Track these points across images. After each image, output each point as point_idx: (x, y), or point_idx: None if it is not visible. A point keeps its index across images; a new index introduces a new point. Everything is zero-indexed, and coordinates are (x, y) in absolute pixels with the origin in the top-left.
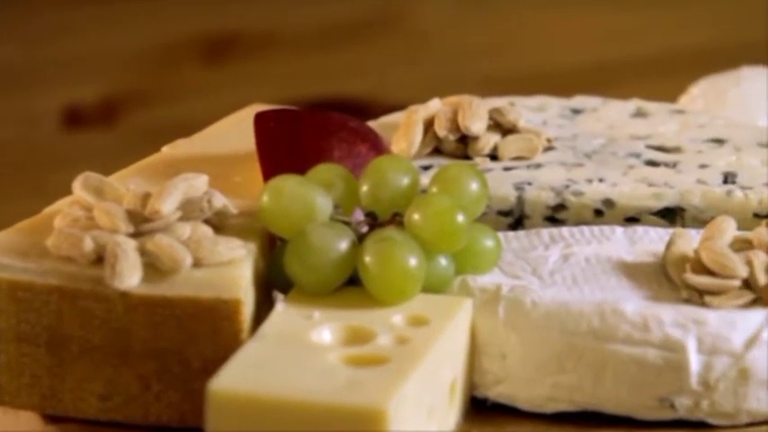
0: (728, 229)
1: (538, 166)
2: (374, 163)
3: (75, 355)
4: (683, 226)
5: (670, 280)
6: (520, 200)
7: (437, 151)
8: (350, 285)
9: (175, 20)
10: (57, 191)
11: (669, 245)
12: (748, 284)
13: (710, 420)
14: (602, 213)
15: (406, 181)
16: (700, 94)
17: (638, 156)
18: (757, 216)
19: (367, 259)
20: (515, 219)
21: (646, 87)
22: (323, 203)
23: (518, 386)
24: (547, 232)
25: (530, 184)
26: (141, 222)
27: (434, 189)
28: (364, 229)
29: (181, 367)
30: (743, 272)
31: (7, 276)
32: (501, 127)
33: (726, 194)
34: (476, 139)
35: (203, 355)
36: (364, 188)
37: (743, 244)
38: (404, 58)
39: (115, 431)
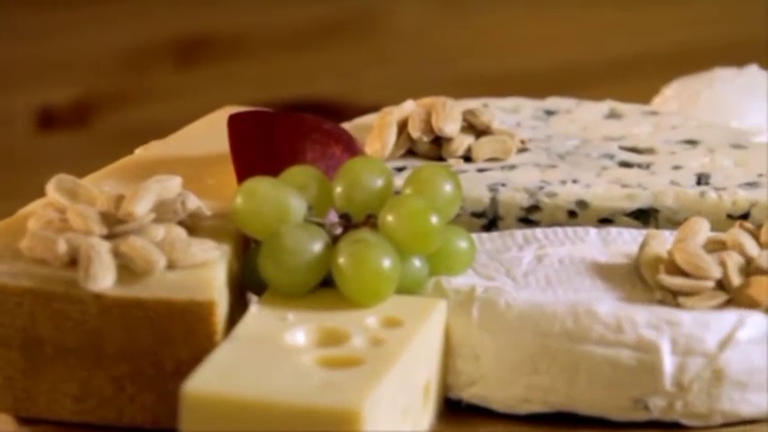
0: (702, 231)
1: (512, 167)
2: (348, 164)
3: (49, 358)
4: (657, 227)
5: (644, 281)
6: (494, 201)
7: (411, 153)
8: (324, 287)
9: (148, 22)
10: (30, 193)
11: (643, 246)
12: (722, 285)
13: (684, 421)
14: (575, 215)
15: (379, 182)
16: (673, 95)
17: (611, 157)
18: (731, 217)
19: (341, 261)
20: (489, 220)
21: (619, 89)
22: (296, 205)
23: (492, 387)
24: (521, 234)
25: (503, 185)
26: (115, 224)
27: (408, 190)
28: (338, 230)
29: (155, 369)
30: (716, 273)
31: None
32: (475, 128)
33: (699, 196)
34: (449, 140)
35: (177, 356)
36: (338, 190)
37: (716, 245)
38: (377, 59)
39: None
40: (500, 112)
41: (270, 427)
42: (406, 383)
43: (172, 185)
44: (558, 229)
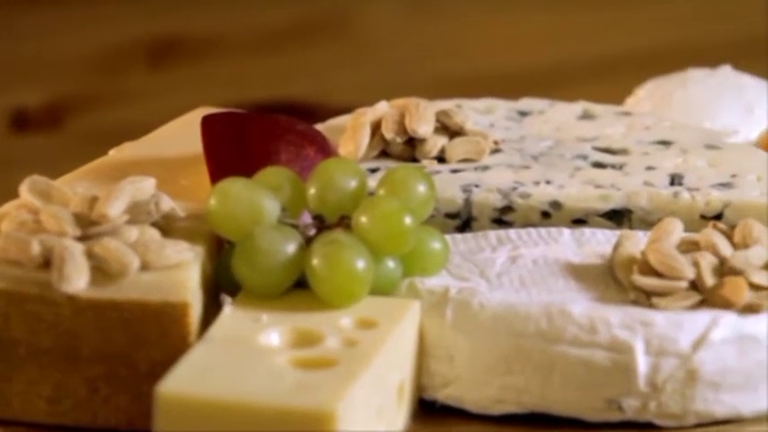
0: (675, 231)
1: (485, 168)
2: (321, 166)
3: (22, 359)
4: (630, 228)
5: (617, 282)
6: (467, 202)
7: (384, 154)
8: (298, 288)
9: (121, 23)
10: (3, 194)
11: (616, 246)
12: (695, 286)
13: (658, 422)
14: (549, 215)
15: (353, 184)
16: (646, 96)
17: (584, 158)
18: (704, 218)
19: (315, 262)
20: (463, 221)
21: (592, 89)
22: (270, 206)
23: (466, 388)
24: (494, 234)
25: (477, 186)
26: (88, 226)
27: (382, 192)
28: (312, 231)
29: (129, 371)
30: (690, 273)
31: None
32: (448, 129)
33: (672, 196)
34: (423, 141)
35: (151, 358)
36: (312, 191)
37: (690, 245)
38: (351, 60)
39: None
40: (473, 113)
41: (244, 427)
42: (380, 384)
43: (145, 187)
44: (532, 230)
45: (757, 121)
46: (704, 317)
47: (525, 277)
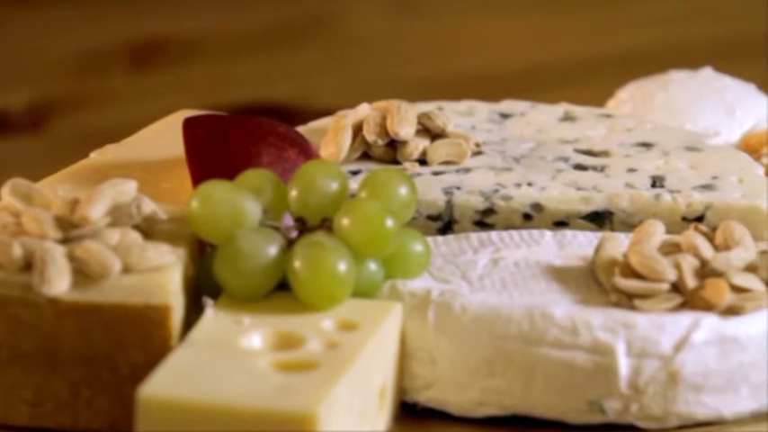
0: (657, 233)
1: (467, 170)
2: (303, 168)
3: (4, 362)
4: (612, 230)
5: (599, 284)
6: (449, 204)
7: (366, 156)
8: (280, 290)
9: (103, 26)
10: None
11: (598, 249)
12: (677, 288)
13: (640, 424)
14: (530, 218)
15: (334, 186)
16: (627, 98)
17: (566, 160)
18: (685, 219)
19: (296, 264)
20: (444, 223)
21: (574, 91)
22: (252, 209)
23: (448, 390)
24: (476, 237)
25: (459, 188)
26: (70, 228)
27: (363, 194)
28: (293, 234)
29: (110, 373)
30: (671, 275)
31: None
32: (430, 131)
33: (654, 198)
34: (404, 143)
35: (133, 361)
36: (293, 193)
37: (671, 247)
38: (332, 62)
39: None
40: (455, 115)
41: (225, 430)
42: (361, 387)
43: (127, 189)
44: (514, 232)
45: (738, 122)
46: (686, 319)
47: (507, 279)
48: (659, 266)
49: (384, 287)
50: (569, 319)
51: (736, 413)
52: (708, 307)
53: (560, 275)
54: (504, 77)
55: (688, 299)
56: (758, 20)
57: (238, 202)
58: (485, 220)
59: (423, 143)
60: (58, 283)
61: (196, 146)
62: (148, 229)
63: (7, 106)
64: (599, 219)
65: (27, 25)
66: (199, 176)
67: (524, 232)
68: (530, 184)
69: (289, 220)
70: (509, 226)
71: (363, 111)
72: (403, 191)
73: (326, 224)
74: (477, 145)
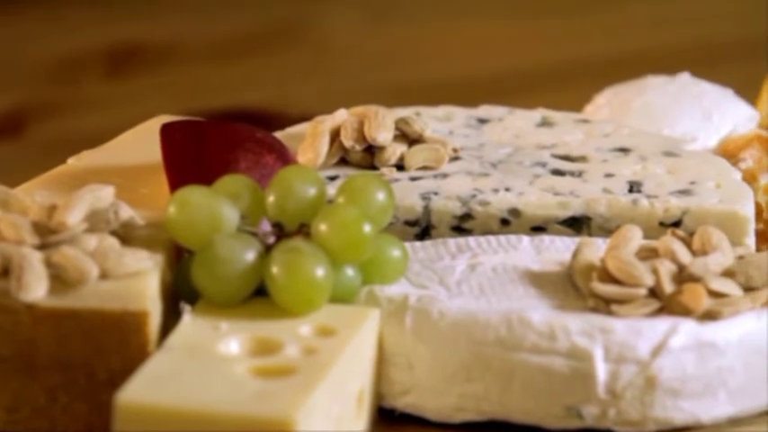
0: (634, 238)
1: (444, 175)
2: (281, 174)
3: None
4: (590, 235)
5: (577, 289)
6: (426, 210)
7: (343, 161)
8: (257, 296)
9: (79, 32)
10: None
11: (575, 254)
12: (654, 293)
13: (617, 429)
14: (508, 223)
15: (312, 191)
16: (605, 103)
17: (543, 165)
18: (663, 225)
19: (274, 270)
20: (422, 229)
21: (551, 97)
22: (229, 214)
23: (425, 396)
24: (454, 242)
25: (436, 193)
26: (47, 234)
27: (341, 199)
28: (271, 239)
29: (88, 379)
30: (649, 280)
31: None
32: (407, 137)
33: (631, 203)
34: (382, 149)
35: (110, 366)
36: (271, 199)
37: (649, 253)
38: (310, 68)
39: None
40: (432, 120)
41: None
42: (339, 392)
43: (104, 195)
44: (491, 238)
45: (716, 128)
46: (663, 324)
47: (484, 285)
48: (637, 271)
49: (361, 293)
50: (547, 325)
51: (714, 418)
52: (685, 312)
53: (538, 281)
54: (481, 83)
55: (665, 304)
56: (735, 25)
57: (216, 208)
58: (462, 225)
59: (400, 148)
60: (36, 288)
61: (173, 151)
62: (126, 235)
63: None
64: (576, 224)
65: (3, 32)
66: (176, 182)
67: (502, 237)
68: (507, 190)
69: (266, 226)
70: (486, 231)
71: (341, 116)
72: (380, 196)
73: (304, 230)
74: (455, 150)
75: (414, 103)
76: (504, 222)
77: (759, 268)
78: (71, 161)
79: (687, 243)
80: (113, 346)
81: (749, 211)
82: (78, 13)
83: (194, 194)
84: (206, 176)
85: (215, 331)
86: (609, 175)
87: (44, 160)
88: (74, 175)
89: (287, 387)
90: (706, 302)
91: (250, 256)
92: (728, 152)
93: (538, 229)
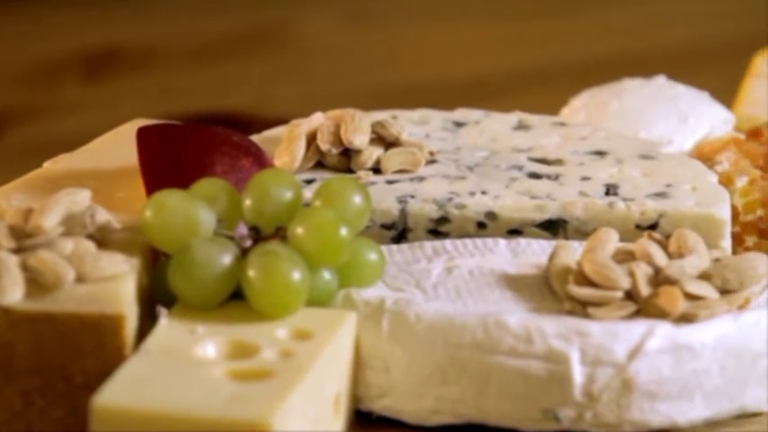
0: (611, 241)
1: (421, 179)
2: (257, 177)
3: None
4: (566, 238)
5: (553, 292)
6: (403, 213)
7: (320, 165)
8: (234, 299)
9: (56, 35)
10: None
11: (552, 257)
12: (631, 296)
13: (594, 431)
14: (485, 226)
15: (289, 195)
16: (581, 106)
17: (520, 168)
18: (639, 227)
19: (250, 273)
20: (398, 232)
21: (528, 100)
22: (206, 218)
23: (402, 399)
24: (430, 245)
25: (413, 197)
26: (23, 238)
27: (317, 203)
28: (248, 243)
29: (64, 383)
30: (625, 283)
31: None
32: (384, 140)
33: (608, 206)
34: (358, 152)
35: (87, 370)
36: (247, 202)
37: (625, 255)
38: (286, 71)
39: None
40: (409, 123)
41: None
42: (316, 396)
43: (81, 199)
44: (468, 241)
45: (692, 130)
46: (639, 327)
47: (461, 288)
48: (613, 274)
49: (338, 296)
50: (523, 328)
51: (690, 420)
52: (661, 315)
53: (514, 284)
54: (457, 86)
55: (642, 306)
56: (710, 28)
57: (192, 212)
58: (439, 228)
59: (377, 152)
60: (12, 292)
61: (150, 155)
62: (102, 239)
63: None
64: (553, 227)
65: None
66: (152, 186)
67: (478, 241)
68: (484, 193)
69: (243, 230)
70: (463, 234)
71: (317, 120)
72: (357, 200)
73: (281, 233)
74: (431, 153)
75: (390, 106)
76: (481, 225)
77: (735, 271)
78: (47, 165)
79: (663, 246)
80: (90, 349)
81: (725, 214)
82: (55, 16)
83: (171, 198)
84: (182, 180)
85: (191, 335)
86: (585, 178)
87: (21, 164)
88: (50, 179)
89: (263, 390)
90: (682, 305)
91: (226, 259)
92: (704, 155)
93: (514, 232)
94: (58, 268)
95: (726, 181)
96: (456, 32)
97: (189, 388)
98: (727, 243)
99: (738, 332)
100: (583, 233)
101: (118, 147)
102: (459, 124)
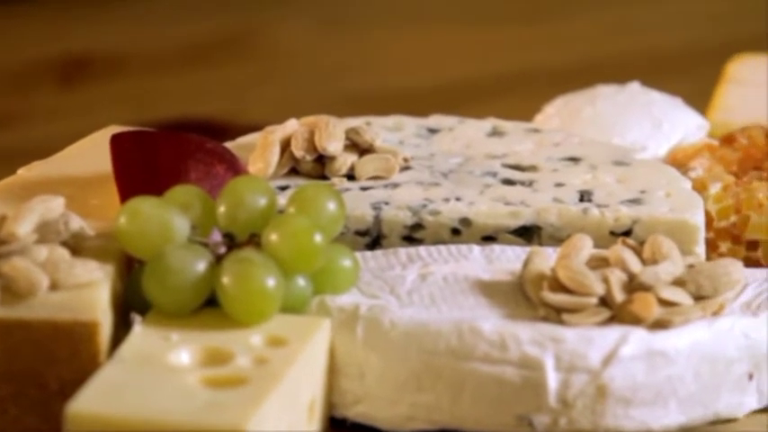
0: (585, 247)
1: (395, 185)
2: (231, 184)
3: None
4: (540, 244)
5: (527, 298)
6: (377, 219)
7: (294, 171)
8: (208, 306)
9: (29, 43)
10: None
11: (526, 263)
12: (605, 302)
13: None
14: (459, 232)
15: (263, 202)
16: (555, 112)
17: (494, 175)
18: (613, 234)
19: (225, 280)
20: (373, 238)
21: (501, 106)
22: (180, 225)
23: (377, 406)
24: (404, 252)
25: (387, 203)
26: None
27: (292, 209)
28: (222, 250)
29: (38, 390)
30: (599, 289)
31: None
32: (358, 147)
33: (582, 213)
34: (333, 159)
35: (61, 377)
36: (221, 209)
37: (599, 262)
38: (260, 78)
39: None
40: (383, 130)
41: None
42: (290, 402)
43: (55, 206)
44: (442, 247)
45: (666, 137)
46: (614, 333)
47: (436, 294)
48: (587, 281)
49: (313, 303)
50: (498, 334)
51: (665, 426)
52: (636, 321)
53: (489, 290)
54: (431, 92)
55: (616, 313)
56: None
57: (166, 218)
58: (413, 235)
59: (351, 158)
60: None
61: (124, 162)
62: (76, 246)
63: None
64: (527, 233)
65: None
66: (126, 192)
67: (452, 247)
68: (458, 199)
69: (217, 236)
70: (437, 241)
71: (291, 126)
72: (331, 206)
73: (255, 240)
74: (406, 160)
75: (364, 112)
76: (455, 232)
77: (709, 277)
78: (21, 172)
79: (637, 252)
80: (64, 356)
81: (699, 220)
82: (29, 24)
83: (145, 205)
84: (156, 187)
85: (166, 342)
86: (559, 185)
87: None
88: (24, 186)
89: (238, 397)
90: (656, 311)
91: (201, 266)
92: (678, 161)
93: (488, 238)
94: (32, 275)
95: (700, 187)
96: (430, 39)
97: (163, 395)
98: (701, 249)
99: (712, 338)
100: (557, 239)
101: (92, 154)
102: (433, 131)
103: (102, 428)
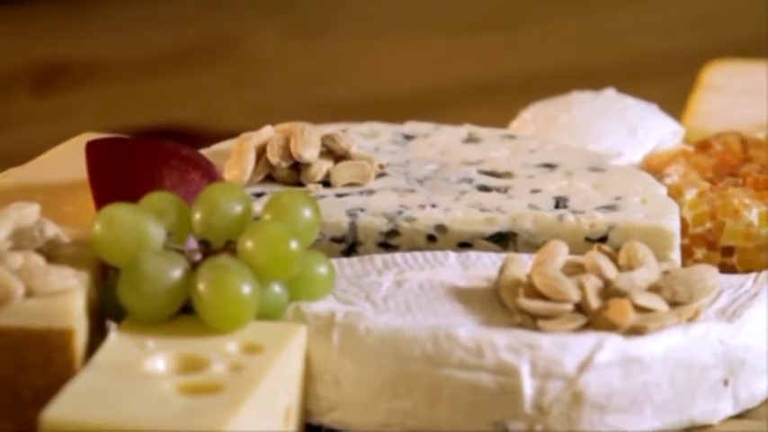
0: (560, 254)
1: (370, 192)
2: (207, 191)
3: None
4: (516, 251)
5: (503, 305)
6: (353, 226)
7: (270, 178)
8: (184, 314)
9: (3, 50)
10: None
11: (502, 270)
12: (581, 308)
13: None
14: (434, 239)
15: (238, 208)
16: (530, 119)
17: (470, 181)
18: (589, 240)
19: (200, 287)
20: (348, 245)
21: (477, 113)
22: (155, 232)
23: (353, 412)
24: (380, 258)
25: (362, 210)
26: None
27: (267, 216)
28: (197, 257)
29: (12, 398)
30: (575, 296)
31: None
32: (333, 153)
33: (557, 219)
34: (308, 165)
35: (35, 385)
36: (197, 216)
37: (575, 268)
38: (235, 85)
39: None
40: (358, 137)
41: None
42: (266, 409)
43: (29, 213)
44: (418, 254)
45: (641, 143)
46: (589, 339)
47: (411, 301)
48: (563, 287)
49: (288, 309)
50: (474, 341)
51: None
52: (611, 327)
53: (464, 297)
54: (407, 99)
55: (591, 319)
56: (659, 40)
57: (142, 225)
58: (389, 241)
59: (326, 165)
60: None
61: (99, 169)
62: (51, 253)
63: None
64: (503, 240)
65: None
66: (102, 199)
67: (428, 254)
68: (434, 206)
69: (192, 243)
70: (413, 247)
71: (267, 133)
72: (307, 213)
73: (230, 247)
74: (381, 167)
75: (340, 119)
76: (431, 239)
77: (685, 283)
78: None
79: (613, 258)
80: (39, 364)
81: (675, 227)
82: (2, 31)
83: (120, 212)
84: (131, 193)
85: (141, 349)
86: (535, 191)
87: None
88: None
89: (214, 404)
90: (632, 318)
91: (176, 273)
92: (654, 167)
93: (464, 245)
94: (7, 283)
95: (675, 193)
96: (405, 46)
97: (139, 402)
98: (676, 255)
99: (688, 345)
100: (533, 246)
101: (67, 161)
102: (408, 137)
103: None
